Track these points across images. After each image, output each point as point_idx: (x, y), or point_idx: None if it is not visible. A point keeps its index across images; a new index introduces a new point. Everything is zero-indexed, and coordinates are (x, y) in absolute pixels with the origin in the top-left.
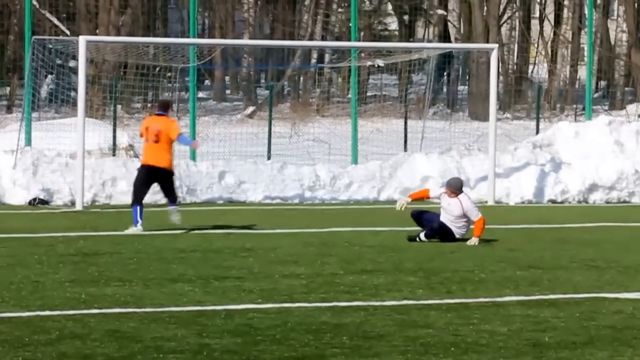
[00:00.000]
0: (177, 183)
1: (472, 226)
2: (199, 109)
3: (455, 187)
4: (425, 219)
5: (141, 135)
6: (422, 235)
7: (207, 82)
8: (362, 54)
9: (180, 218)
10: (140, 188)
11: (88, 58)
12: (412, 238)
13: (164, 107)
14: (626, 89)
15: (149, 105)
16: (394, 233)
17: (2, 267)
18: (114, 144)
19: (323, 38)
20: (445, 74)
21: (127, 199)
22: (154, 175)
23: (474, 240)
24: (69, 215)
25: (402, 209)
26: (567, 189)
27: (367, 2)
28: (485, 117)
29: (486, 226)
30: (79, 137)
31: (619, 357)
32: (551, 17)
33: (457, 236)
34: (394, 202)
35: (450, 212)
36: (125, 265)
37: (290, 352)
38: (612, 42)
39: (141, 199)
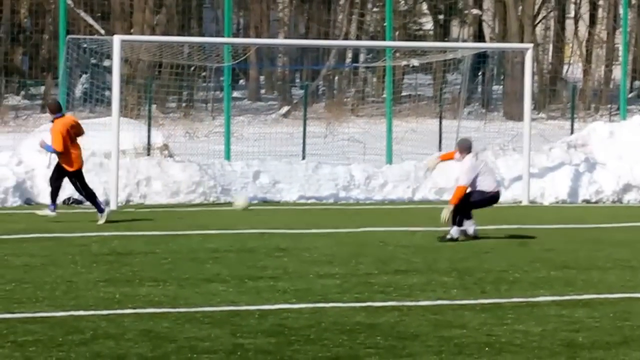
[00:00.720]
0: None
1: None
2: (233, 109)
3: (461, 147)
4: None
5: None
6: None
7: (241, 81)
8: (397, 54)
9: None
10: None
11: (123, 57)
12: (443, 238)
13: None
14: None
15: (183, 105)
16: (428, 233)
17: (36, 267)
18: (149, 143)
19: (358, 37)
20: (480, 73)
21: (162, 198)
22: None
23: (445, 210)
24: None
25: (433, 169)
26: (602, 189)
27: (402, 2)
28: (520, 117)
29: (520, 226)
30: (113, 136)
31: None
32: (586, 17)
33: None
34: (428, 202)
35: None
36: (159, 265)
37: (324, 352)
38: None
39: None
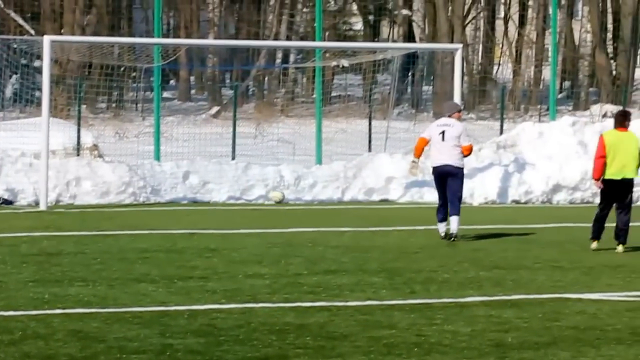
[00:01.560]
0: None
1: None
2: (163, 109)
3: (455, 108)
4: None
5: None
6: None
7: (172, 82)
8: (327, 54)
9: None
10: None
11: (53, 58)
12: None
13: None
14: (590, 89)
15: (113, 105)
16: (357, 233)
17: None
18: (79, 144)
19: (288, 38)
20: (409, 74)
21: (91, 199)
22: None
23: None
24: (32, 215)
25: (417, 173)
26: (531, 190)
27: (332, 2)
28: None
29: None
30: (43, 137)
31: (582, 358)
32: (515, 17)
33: (457, 169)
34: (357, 202)
35: (449, 134)
36: (88, 266)
37: (253, 353)
38: (577, 43)
39: None
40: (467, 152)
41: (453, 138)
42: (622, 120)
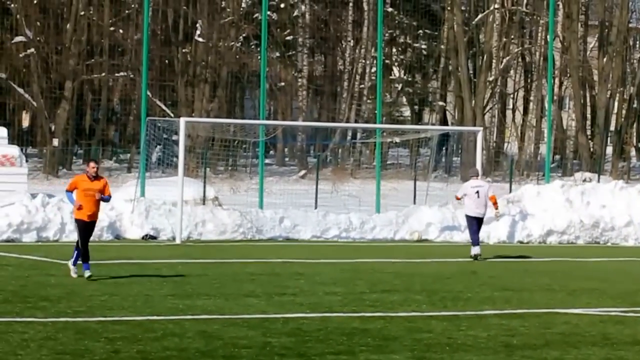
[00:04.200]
0: (248, 225)
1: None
2: (265, 171)
3: (479, 172)
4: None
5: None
6: (476, 251)
7: (271, 152)
8: (384, 133)
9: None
10: None
11: (186, 133)
12: (475, 257)
13: None
14: (574, 161)
15: (229, 168)
16: (405, 263)
17: (123, 284)
18: (204, 196)
19: (356, 121)
20: (444, 148)
21: (213, 236)
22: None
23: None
24: (170, 247)
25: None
26: (531, 233)
27: (388, 95)
28: None
29: (472, 260)
30: (178, 190)
31: (567, 355)
32: (521, 108)
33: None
34: (406, 241)
35: (482, 192)
36: (211, 284)
37: (329, 349)
38: (565, 127)
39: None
40: (494, 200)
41: (484, 194)
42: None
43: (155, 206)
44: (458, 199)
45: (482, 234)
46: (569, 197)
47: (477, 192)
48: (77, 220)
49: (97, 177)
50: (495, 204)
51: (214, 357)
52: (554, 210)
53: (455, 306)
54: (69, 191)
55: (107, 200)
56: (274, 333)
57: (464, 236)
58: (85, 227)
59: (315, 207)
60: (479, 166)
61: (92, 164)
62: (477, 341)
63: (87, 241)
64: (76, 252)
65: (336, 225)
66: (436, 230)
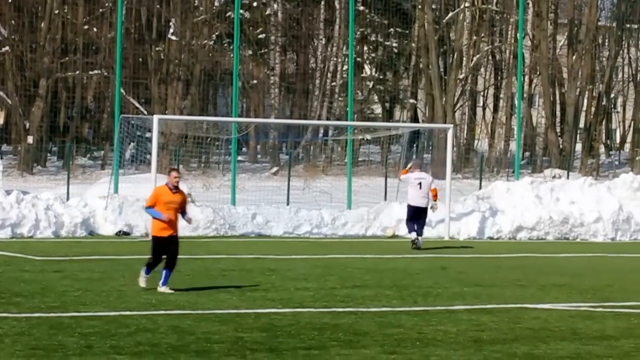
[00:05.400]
0: (220, 222)
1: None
2: (238, 168)
3: (421, 163)
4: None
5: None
6: (415, 239)
7: (244, 149)
8: (355, 131)
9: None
10: None
11: (159, 131)
12: (414, 244)
13: None
14: (544, 158)
15: (202, 165)
16: (376, 259)
17: (96, 280)
18: None
19: (327, 119)
20: (414, 145)
21: (186, 232)
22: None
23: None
24: (143, 243)
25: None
26: (501, 229)
27: (359, 93)
28: (443, 177)
29: (443, 255)
30: (152, 187)
31: (536, 350)
32: (491, 106)
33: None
34: (377, 237)
35: (425, 184)
36: (183, 279)
37: (301, 344)
38: (534, 125)
39: None
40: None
41: (427, 186)
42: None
43: (129, 203)
44: (399, 180)
45: (452, 230)
46: (539, 194)
47: (420, 183)
48: (155, 237)
49: (178, 189)
50: (435, 196)
51: (186, 352)
52: (523, 206)
53: (425, 301)
54: (151, 207)
55: (184, 216)
56: (245, 328)
57: (434, 232)
58: (161, 244)
59: (287, 204)
60: (449, 163)
61: (174, 174)
62: (447, 336)
63: (160, 260)
64: (147, 269)
65: (308, 221)
66: (406, 227)
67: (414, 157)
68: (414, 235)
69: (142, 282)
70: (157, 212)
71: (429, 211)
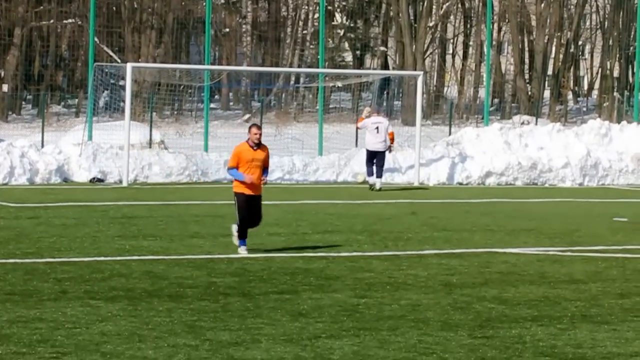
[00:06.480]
0: (193, 168)
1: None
2: (210, 115)
3: (378, 109)
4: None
5: None
6: (374, 182)
7: (216, 96)
8: (327, 78)
9: None
10: None
11: (133, 79)
12: (372, 188)
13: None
14: (512, 104)
15: (175, 112)
16: (347, 205)
17: (71, 226)
18: (150, 139)
19: (299, 66)
20: (385, 92)
21: (159, 179)
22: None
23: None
24: (117, 189)
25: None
26: (470, 175)
27: (330, 41)
28: (413, 123)
29: (413, 200)
30: (125, 134)
31: (505, 294)
32: (460, 53)
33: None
34: (348, 183)
35: (382, 128)
36: (156, 225)
37: (273, 288)
38: (503, 72)
39: None
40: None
41: (384, 130)
42: None
43: (103, 150)
44: (358, 128)
45: (422, 176)
46: (508, 140)
47: (377, 127)
48: (237, 194)
49: (260, 145)
50: (392, 140)
51: (159, 296)
52: (492, 152)
53: (396, 246)
54: (233, 168)
55: (266, 175)
56: (218, 273)
57: (405, 178)
58: (246, 201)
59: None
60: (419, 109)
61: (254, 130)
62: (417, 280)
63: (250, 220)
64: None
65: (279, 167)
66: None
67: (384, 104)
68: (372, 179)
69: (242, 251)
70: (240, 174)
71: (388, 155)
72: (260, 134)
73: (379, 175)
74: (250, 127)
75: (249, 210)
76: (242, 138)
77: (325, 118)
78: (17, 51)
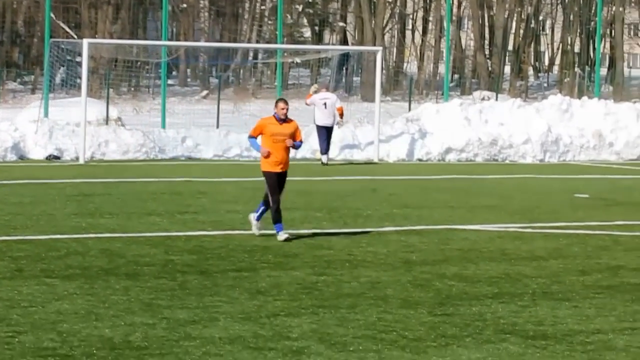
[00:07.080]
0: (150, 145)
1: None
2: (168, 92)
3: (326, 84)
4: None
5: None
6: (325, 159)
7: (174, 72)
8: (285, 54)
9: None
10: None
11: (89, 55)
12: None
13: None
14: (473, 80)
15: (132, 89)
16: (306, 181)
17: (27, 204)
18: (107, 116)
19: (257, 42)
20: (344, 68)
21: (116, 156)
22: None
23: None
24: (74, 167)
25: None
26: (430, 151)
27: (289, 16)
28: (372, 99)
29: (372, 177)
30: (82, 111)
31: (465, 271)
32: (420, 28)
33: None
34: (307, 159)
35: (329, 103)
36: (113, 203)
37: (231, 266)
38: (463, 47)
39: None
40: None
41: (331, 105)
42: None
43: (59, 127)
44: (307, 104)
45: (382, 152)
46: (468, 116)
47: (325, 103)
48: (265, 173)
49: (286, 120)
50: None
51: (117, 274)
52: (452, 128)
53: (355, 223)
54: (253, 137)
55: (298, 146)
56: (176, 251)
57: (364, 154)
58: (277, 180)
59: (217, 127)
60: (378, 85)
61: (281, 104)
62: (377, 257)
63: (279, 197)
64: (263, 207)
65: (237, 144)
66: (336, 149)
67: (343, 80)
68: (325, 159)
69: (255, 228)
70: (257, 144)
71: (336, 129)
72: (287, 109)
73: (325, 151)
74: (277, 102)
75: (278, 189)
76: (199, 115)
77: (284, 94)
78: None
